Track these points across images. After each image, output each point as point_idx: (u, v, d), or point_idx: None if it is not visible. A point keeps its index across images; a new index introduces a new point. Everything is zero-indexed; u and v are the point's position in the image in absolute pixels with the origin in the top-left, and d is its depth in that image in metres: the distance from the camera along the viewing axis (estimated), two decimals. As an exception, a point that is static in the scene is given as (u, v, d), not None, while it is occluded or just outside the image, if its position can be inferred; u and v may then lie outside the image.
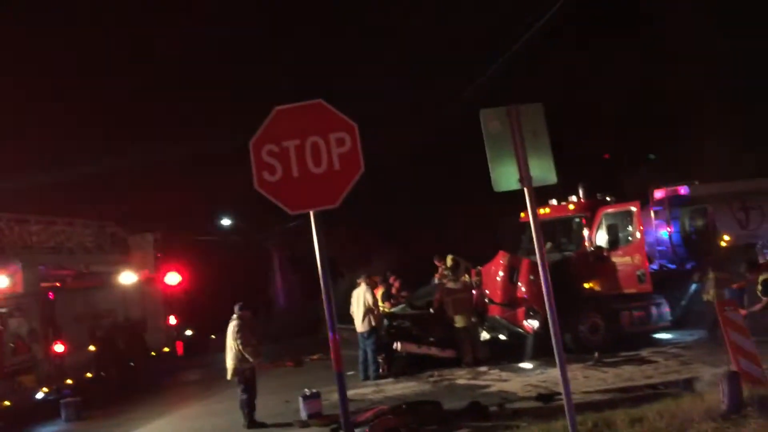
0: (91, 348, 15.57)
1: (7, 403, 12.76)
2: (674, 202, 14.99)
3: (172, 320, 20.15)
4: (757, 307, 9.67)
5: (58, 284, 15.20)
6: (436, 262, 16.21)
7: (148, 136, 26.32)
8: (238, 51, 28.65)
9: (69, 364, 14.59)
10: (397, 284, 16.38)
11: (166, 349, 19.48)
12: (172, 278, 20.29)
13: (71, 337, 14.69)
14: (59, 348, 14.31)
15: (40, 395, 13.78)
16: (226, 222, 31.26)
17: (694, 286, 14.04)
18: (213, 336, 21.80)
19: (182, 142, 24.18)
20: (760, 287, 9.75)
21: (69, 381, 14.47)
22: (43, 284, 14.76)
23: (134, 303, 17.91)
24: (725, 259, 14.04)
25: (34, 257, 14.72)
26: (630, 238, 14.34)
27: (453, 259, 15.10)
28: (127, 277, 17.70)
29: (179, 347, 20.62)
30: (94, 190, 23.99)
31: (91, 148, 24.16)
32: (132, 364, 17.27)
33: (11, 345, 13.26)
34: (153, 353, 18.54)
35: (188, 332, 22.37)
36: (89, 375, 15.27)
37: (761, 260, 11.15)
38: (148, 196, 25.31)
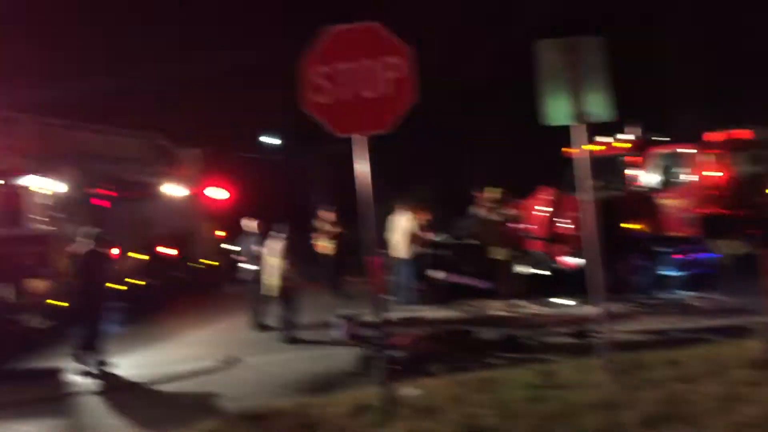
0: (142, 256, 15.98)
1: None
2: (733, 145, 14.50)
3: (219, 234, 20.55)
4: None
5: (111, 192, 15.48)
6: (480, 195, 16.08)
7: (199, 49, 26.33)
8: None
9: (120, 271, 14.99)
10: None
11: (215, 263, 19.92)
12: (219, 193, 20.65)
13: (123, 244, 15.06)
14: (113, 253, 14.66)
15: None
16: (271, 141, 31.39)
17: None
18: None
19: (232, 56, 24.12)
20: None
21: (121, 287, 14.89)
22: (97, 190, 15.07)
23: (183, 215, 18.30)
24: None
25: (90, 165, 14.91)
26: (681, 180, 14.03)
27: (499, 192, 14.99)
28: (176, 190, 18.03)
29: (225, 261, 21.09)
30: (144, 104, 24.26)
31: (140, 60, 24.31)
32: (179, 274, 17.76)
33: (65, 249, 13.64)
34: (199, 265, 19.03)
35: (233, 247, 22.82)
36: (140, 282, 15.65)
37: None
38: (196, 112, 25.51)
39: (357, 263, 16.99)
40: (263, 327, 12.33)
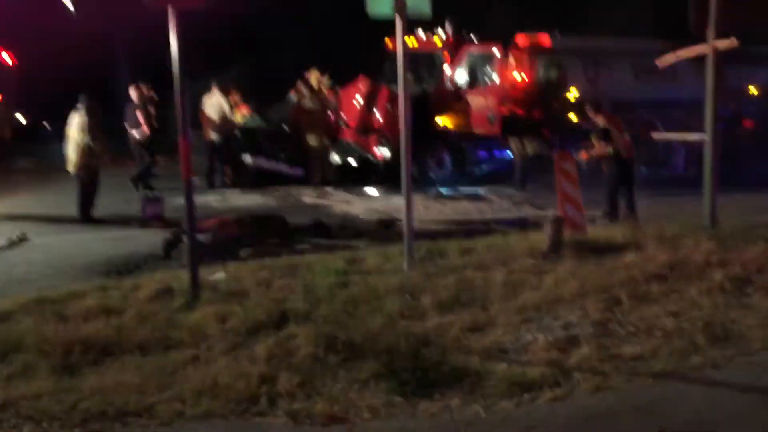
0: None
1: None
2: (534, 50, 15.29)
3: None
4: (595, 152, 10.17)
5: None
6: (307, 76, 15.69)
7: None
8: None
9: None
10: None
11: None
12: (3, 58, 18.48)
13: None
14: None
15: None
16: (69, 6, 28.36)
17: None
18: (46, 124, 20.45)
19: None
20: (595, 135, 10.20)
21: None
22: None
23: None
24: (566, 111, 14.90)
25: None
26: (487, 80, 14.68)
27: (318, 79, 14.83)
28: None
29: (7, 132, 19.22)
30: None
31: None
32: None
33: None
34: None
35: (19, 116, 20.85)
36: None
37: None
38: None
39: (167, 142, 16.23)
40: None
